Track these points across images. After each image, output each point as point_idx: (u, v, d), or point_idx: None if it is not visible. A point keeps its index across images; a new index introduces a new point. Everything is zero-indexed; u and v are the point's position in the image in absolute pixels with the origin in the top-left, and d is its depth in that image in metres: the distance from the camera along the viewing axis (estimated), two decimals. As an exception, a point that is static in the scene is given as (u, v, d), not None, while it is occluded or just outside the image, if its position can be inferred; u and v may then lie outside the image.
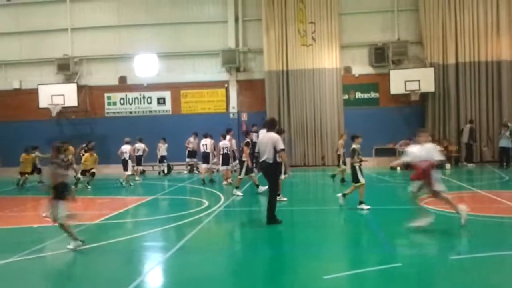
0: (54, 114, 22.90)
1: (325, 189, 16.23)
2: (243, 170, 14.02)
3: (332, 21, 22.04)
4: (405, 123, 21.36)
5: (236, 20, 22.89)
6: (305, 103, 22.06)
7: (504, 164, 18.91)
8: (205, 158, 17.22)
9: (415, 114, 21.74)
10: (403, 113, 21.74)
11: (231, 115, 22.92)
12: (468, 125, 20.20)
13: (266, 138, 9.64)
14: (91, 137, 21.87)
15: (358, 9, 22.24)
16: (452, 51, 21.23)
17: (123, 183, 17.05)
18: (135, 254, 8.00)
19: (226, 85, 23.16)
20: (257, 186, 14.00)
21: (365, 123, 20.62)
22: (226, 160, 16.35)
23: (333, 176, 16.21)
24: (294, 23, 22.21)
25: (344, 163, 15.43)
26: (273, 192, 9.61)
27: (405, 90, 21.01)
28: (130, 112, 23.79)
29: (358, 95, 22.51)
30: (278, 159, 9.66)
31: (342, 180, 15.63)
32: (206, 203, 12.23)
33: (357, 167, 11.00)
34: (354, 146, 11.17)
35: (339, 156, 15.86)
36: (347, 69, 22.52)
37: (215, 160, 17.63)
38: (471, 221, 9.48)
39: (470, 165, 19.86)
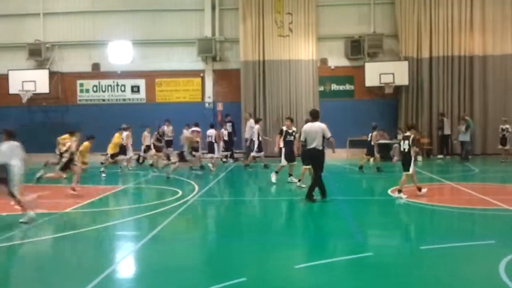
0: (24, 100, 22.33)
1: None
2: (283, 158, 13.97)
3: (309, 12, 22.04)
4: (379, 115, 21.58)
5: (213, 8, 22.67)
6: (281, 94, 22.08)
7: (462, 156, 19.41)
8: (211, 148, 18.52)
9: (389, 107, 22.02)
10: (377, 105, 21.99)
11: (207, 105, 22.77)
12: (444, 118, 20.61)
13: (314, 128, 10.83)
14: (63, 124, 21.43)
15: (335, 1, 22.31)
16: (426, 45, 21.53)
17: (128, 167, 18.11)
18: (107, 243, 7.89)
19: (201, 74, 22.97)
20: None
21: (340, 115, 20.82)
22: (211, 148, 18.20)
23: (361, 167, 16.29)
24: (271, 14, 22.13)
25: (378, 153, 16.31)
26: (319, 175, 10.85)
27: (380, 83, 21.24)
28: (103, 100, 23.38)
29: (334, 87, 22.64)
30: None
31: (378, 169, 16.17)
32: (180, 193, 12.14)
33: (413, 156, 11.14)
34: (412, 135, 11.09)
35: (373, 146, 16.19)
36: (323, 61, 22.61)
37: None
38: (442, 212, 9.69)
39: (448, 158, 20.36)
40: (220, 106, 22.78)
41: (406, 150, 11.05)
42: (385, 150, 20.25)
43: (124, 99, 23.30)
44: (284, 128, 14.06)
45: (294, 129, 14.07)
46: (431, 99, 21.54)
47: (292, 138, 13.67)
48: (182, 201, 11.07)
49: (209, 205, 11.40)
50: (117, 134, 17.73)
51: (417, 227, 8.94)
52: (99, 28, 23.14)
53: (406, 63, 21.27)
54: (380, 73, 21.17)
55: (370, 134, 16.29)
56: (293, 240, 7.81)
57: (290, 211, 10.65)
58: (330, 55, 22.63)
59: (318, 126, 10.86)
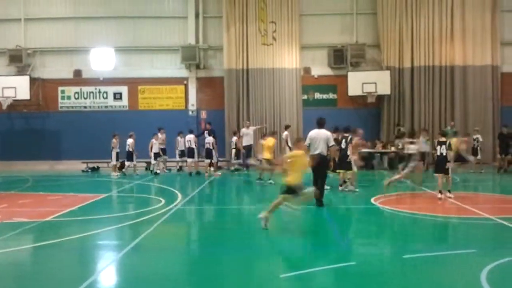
0: (4, 107, 22.01)
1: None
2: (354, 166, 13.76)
3: (293, 21, 22.20)
4: (361, 124, 21.66)
5: (197, 16, 22.67)
6: (265, 102, 22.13)
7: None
8: (190, 153, 19.01)
9: (371, 116, 22.23)
10: (360, 114, 22.18)
11: (190, 113, 22.69)
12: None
13: (320, 134, 11.35)
14: (43, 132, 21.19)
15: (318, 11, 22.50)
16: (407, 55, 21.83)
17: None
18: (87, 252, 7.75)
19: (185, 82, 22.90)
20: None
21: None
22: (209, 154, 18.71)
23: None
24: (255, 22, 22.22)
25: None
26: (325, 179, 11.65)
27: (362, 92, 21.44)
28: (85, 107, 23.12)
29: (317, 95, 22.78)
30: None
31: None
32: (163, 201, 12.03)
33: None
34: (449, 141, 12.24)
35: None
36: (307, 70, 22.75)
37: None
38: (425, 221, 9.77)
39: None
40: (203, 114, 22.72)
41: (444, 154, 12.07)
42: (367, 159, 20.46)
43: (106, 106, 23.08)
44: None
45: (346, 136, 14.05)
46: (412, 108, 21.81)
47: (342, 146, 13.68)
48: (165, 209, 10.96)
49: (192, 214, 11.32)
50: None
51: (400, 236, 8.99)
52: (81, 35, 22.95)
53: (388, 72, 21.53)
54: (363, 82, 21.37)
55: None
56: (278, 249, 7.78)
57: (274, 220, 10.60)
58: (314, 64, 22.78)
59: (324, 133, 11.40)
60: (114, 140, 18.82)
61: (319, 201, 11.15)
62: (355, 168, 13.67)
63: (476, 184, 16.06)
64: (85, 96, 23.11)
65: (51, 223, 9.77)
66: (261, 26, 22.33)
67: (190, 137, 19.06)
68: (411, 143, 14.19)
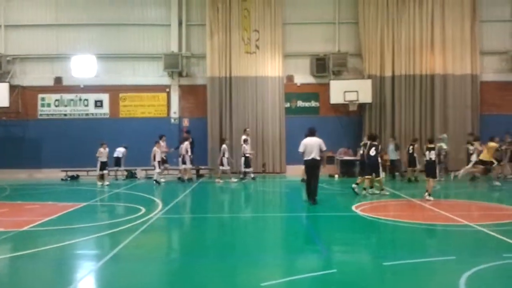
0: (-17, 114, 21.60)
1: (266, 196, 16.32)
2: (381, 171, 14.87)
3: (276, 30, 22.29)
4: (343, 132, 21.96)
5: (180, 24, 22.61)
6: (248, 110, 22.12)
7: (393, 175, 19.70)
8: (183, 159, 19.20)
9: (353, 124, 22.36)
10: (342, 122, 22.31)
11: (172, 120, 22.55)
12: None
13: (313, 141, 12.77)
14: (23, 139, 20.85)
15: (301, 19, 22.61)
16: (389, 64, 22.06)
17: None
18: (66, 262, 7.61)
19: (167, 90, 22.76)
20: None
21: (305, 131, 20.89)
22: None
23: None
24: (238, 30, 22.25)
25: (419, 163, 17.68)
26: (317, 181, 12.86)
27: (344, 100, 21.56)
28: (65, 115, 22.78)
29: (300, 103, 22.84)
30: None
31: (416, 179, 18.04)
32: (143, 210, 11.90)
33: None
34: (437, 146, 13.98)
35: (414, 158, 17.90)
36: (289, 78, 22.82)
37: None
38: (405, 228, 9.83)
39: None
40: (186, 122, 22.61)
41: (433, 159, 13.58)
42: (349, 167, 20.59)
43: (86, 114, 22.80)
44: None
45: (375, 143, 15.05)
46: (393, 117, 22.01)
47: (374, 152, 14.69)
48: (145, 218, 10.85)
49: (173, 223, 11.21)
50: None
51: (380, 243, 9.02)
52: (62, 42, 22.69)
53: (369, 81, 21.71)
54: (345, 90, 21.51)
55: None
56: (259, 258, 7.74)
57: (255, 228, 10.58)
58: (296, 72, 22.86)
59: (316, 140, 12.80)
60: (101, 149, 18.53)
61: (313, 199, 12.59)
62: (382, 174, 14.93)
63: (453, 191, 16.20)
64: (66, 103, 22.78)
65: (28, 232, 9.59)
66: (244, 35, 22.36)
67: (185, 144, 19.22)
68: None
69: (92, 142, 19.88)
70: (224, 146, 19.35)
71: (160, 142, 19.20)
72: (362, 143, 16.26)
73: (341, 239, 9.16)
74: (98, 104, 22.76)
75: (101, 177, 18.47)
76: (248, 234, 9.85)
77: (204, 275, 6.88)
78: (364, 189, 14.64)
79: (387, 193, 14.60)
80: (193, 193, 16.40)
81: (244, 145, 19.18)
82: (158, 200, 13.70)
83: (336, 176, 20.38)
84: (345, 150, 21.13)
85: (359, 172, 15.80)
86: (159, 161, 18.76)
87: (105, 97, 22.81)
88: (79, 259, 7.98)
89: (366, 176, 14.73)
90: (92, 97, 22.79)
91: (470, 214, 11.51)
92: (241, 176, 19.43)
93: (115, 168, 20.22)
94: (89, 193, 16.05)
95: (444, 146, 18.84)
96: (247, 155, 19.24)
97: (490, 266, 6.82)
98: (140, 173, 21.35)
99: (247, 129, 20.49)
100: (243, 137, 19.52)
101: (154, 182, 18.61)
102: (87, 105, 22.80)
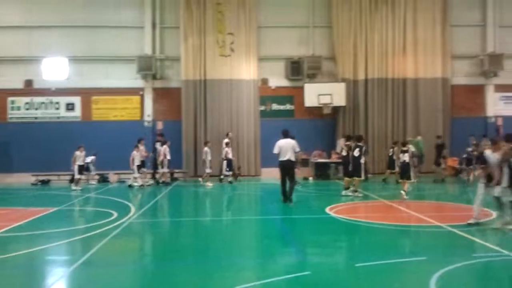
0: (-50, 117, 20.95)
1: (240, 200, 16.29)
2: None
3: (250, 33, 22.32)
4: (318, 135, 22.10)
5: (154, 26, 22.41)
6: (222, 114, 22.06)
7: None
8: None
9: (327, 127, 22.54)
10: (316, 125, 22.45)
11: (146, 123, 22.30)
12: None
13: (287, 143, 13.17)
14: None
15: (276, 23, 22.69)
16: (362, 68, 22.34)
17: None
18: (35, 269, 7.44)
19: (141, 93, 22.51)
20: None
21: (280, 134, 20.97)
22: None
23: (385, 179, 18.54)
24: (212, 33, 22.19)
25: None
26: (294, 180, 13.44)
27: (318, 104, 21.73)
28: (36, 118, 22.27)
29: (274, 106, 22.90)
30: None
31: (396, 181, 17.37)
32: (115, 215, 11.72)
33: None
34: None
35: (394, 160, 17.90)
36: (264, 81, 22.87)
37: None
38: (377, 229, 9.94)
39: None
40: (160, 125, 22.37)
41: (407, 161, 14.10)
42: (323, 169, 20.76)
43: (58, 117, 22.33)
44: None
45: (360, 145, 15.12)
46: (366, 120, 22.28)
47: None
48: (117, 223, 10.68)
49: (145, 227, 11.06)
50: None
51: (353, 245, 9.10)
52: (34, 44, 22.17)
53: (343, 84, 21.93)
54: (319, 94, 21.67)
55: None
56: (232, 261, 7.70)
57: (228, 232, 10.54)
58: (271, 76, 22.92)
59: (290, 141, 13.22)
60: (77, 152, 18.14)
61: (288, 198, 13.09)
62: (363, 176, 14.84)
63: (426, 193, 16.47)
64: (36, 107, 22.28)
65: (-4, 238, 9.33)
66: (219, 37, 22.31)
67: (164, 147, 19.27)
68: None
69: (64, 146, 19.58)
70: (206, 149, 19.19)
71: (139, 146, 18.97)
72: (345, 144, 16.33)
73: (315, 241, 9.20)
74: (70, 107, 22.34)
75: (77, 181, 18.14)
76: (222, 237, 9.80)
77: (177, 279, 6.81)
78: (356, 190, 14.91)
79: (360, 195, 14.74)
80: (168, 196, 16.25)
81: (226, 149, 19.15)
82: (130, 205, 13.51)
83: (311, 178, 20.53)
84: (320, 153, 21.27)
85: (344, 173, 15.88)
86: (138, 165, 18.49)
87: (77, 100, 22.40)
88: (50, 265, 7.81)
89: (345, 178, 15.24)
90: (63, 100, 22.35)
91: (442, 215, 11.69)
92: (229, 179, 19.31)
93: (85, 173, 19.71)
94: (60, 198, 15.73)
95: (413, 148, 19.18)
96: (229, 158, 19.26)
97: (460, 266, 6.94)
98: (112, 177, 21.06)
99: (230, 133, 20.50)
100: (225, 140, 19.53)
101: (129, 186, 18.39)
102: (58, 108, 22.36)
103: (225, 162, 19.21)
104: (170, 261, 7.78)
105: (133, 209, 12.68)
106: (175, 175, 21.25)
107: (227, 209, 14.44)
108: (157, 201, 15.09)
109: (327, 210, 12.10)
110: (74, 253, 8.42)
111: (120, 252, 8.67)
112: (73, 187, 17.90)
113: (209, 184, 18.56)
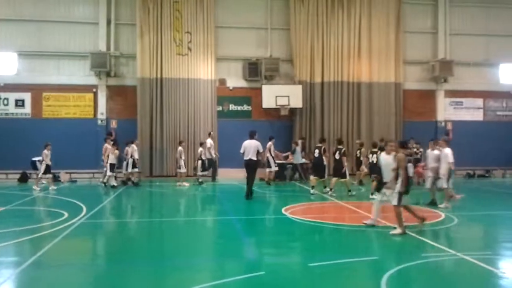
0: None
1: (195, 200, 16.17)
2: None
3: (208, 33, 22.21)
4: (275, 136, 22.13)
5: (109, 22, 21.90)
6: (179, 113, 21.84)
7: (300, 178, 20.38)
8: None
9: (284, 128, 22.73)
10: (274, 126, 22.55)
11: (99, 122, 21.75)
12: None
13: (251, 143, 14.18)
14: None
15: (234, 23, 22.70)
16: (318, 71, 22.70)
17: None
18: (-22, 271, 7.10)
19: (94, 90, 21.93)
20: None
21: (237, 135, 20.88)
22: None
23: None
24: (170, 31, 21.93)
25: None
26: (253, 179, 14.53)
27: (276, 105, 21.89)
28: (-17, 114, 21.34)
29: (232, 107, 22.89)
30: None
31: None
32: (66, 215, 11.37)
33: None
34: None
35: (361, 161, 18.04)
36: (222, 81, 22.80)
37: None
38: (331, 229, 10.10)
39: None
40: (114, 124, 21.86)
41: (375, 161, 14.13)
42: (280, 170, 20.86)
43: (6, 114, 21.44)
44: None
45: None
46: (322, 121, 22.65)
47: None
48: (68, 223, 10.36)
49: (97, 228, 10.78)
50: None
51: (307, 245, 9.19)
52: (-20, 38, 21.23)
53: (300, 86, 22.20)
54: (276, 95, 21.83)
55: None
56: (187, 262, 7.63)
57: (183, 232, 10.44)
58: (229, 76, 22.89)
59: (255, 142, 14.24)
60: (45, 151, 17.38)
61: (250, 195, 14.15)
62: (348, 177, 15.50)
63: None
64: (-17, 102, 21.35)
65: None
66: (176, 36, 22.08)
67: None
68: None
69: (12, 143, 18.83)
70: (180, 148, 19.06)
71: (109, 142, 18.36)
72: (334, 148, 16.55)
73: (269, 242, 9.25)
74: (19, 103, 21.49)
75: (39, 180, 17.49)
76: (176, 238, 9.69)
77: (129, 281, 6.68)
78: (331, 189, 15.49)
79: (334, 194, 15.22)
80: (121, 197, 15.91)
81: (201, 149, 19.25)
82: (82, 205, 13.13)
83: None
84: (277, 154, 21.38)
85: (315, 174, 16.15)
86: (111, 164, 17.88)
87: (27, 96, 21.58)
88: (-5, 267, 7.48)
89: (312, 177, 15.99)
90: (12, 96, 21.48)
91: (394, 216, 12.00)
92: (200, 180, 19.13)
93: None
94: (9, 197, 15.10)
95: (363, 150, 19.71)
96: (209, 157, 19.57)
97: (410, 265, 7.15)
98: (64, 176, 20.43)
99: (211, 133, 20.83)
100: (208, 140, 19.84)
101: (104, 185, 17.97)
102: (7, 104, 21.46)
103: (206, 162, 19.46)
104: (122, 262, 7.62)
105: (84, 209, 12.32)
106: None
107: (181, 209, 14.30)
108: (110, 201, 14.75)
109: (283, 210, 12.19)
110: (23, 254, 8.11)
111: (71, 253, 8.41)
112: (51, 187, 17.22)
113: (185, 184, 18.36)
